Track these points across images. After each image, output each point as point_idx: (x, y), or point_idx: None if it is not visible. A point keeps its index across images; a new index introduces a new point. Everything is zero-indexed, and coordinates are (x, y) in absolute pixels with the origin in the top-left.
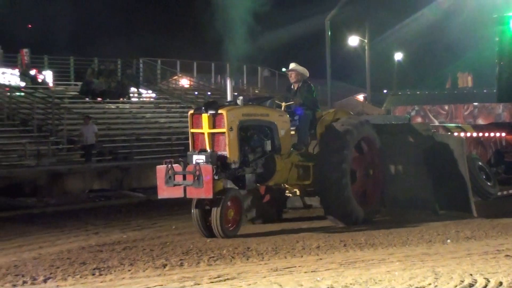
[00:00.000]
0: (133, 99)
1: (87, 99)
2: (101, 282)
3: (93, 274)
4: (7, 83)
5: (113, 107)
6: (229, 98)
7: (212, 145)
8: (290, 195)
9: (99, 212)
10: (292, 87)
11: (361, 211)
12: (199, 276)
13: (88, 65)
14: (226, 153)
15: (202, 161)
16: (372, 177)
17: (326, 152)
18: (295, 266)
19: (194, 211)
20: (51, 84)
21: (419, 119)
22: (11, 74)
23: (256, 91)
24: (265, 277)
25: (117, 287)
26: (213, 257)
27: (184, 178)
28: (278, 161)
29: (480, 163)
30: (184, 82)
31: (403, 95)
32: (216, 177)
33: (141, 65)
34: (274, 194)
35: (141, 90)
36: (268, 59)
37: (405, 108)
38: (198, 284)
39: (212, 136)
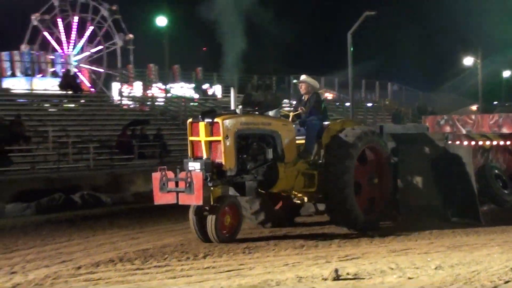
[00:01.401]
0: (285, 109)
1: (248, 109)
2: (249, 258)
3: (243, 252)
4: (183, 95)
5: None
6: (232, 107)
7: (209, 153)
8: (298, 201)
9: None
10: (303, 98)
11: (364, 218)
12: (330, 255)
13: (249, 81)
14: (222, 160)
15: (195, 168)
16: (378, 185)
17: (330, 162)
18: (410, 249)
19: (191, 216)
20: (219, 96)
21: (447, 128)
22: (187, 88)
23: (387, 102)
24: (384, 257)
25: (262, 263)
26: (343, 239)
27: (177, 185)
28: (282, 168)
29: (497, 171)
30: (328, 95)
31: (510, 106)
32: (210, 184)
33: (291, 81)
34: (286, 201)
35: (292, 101)
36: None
37: (435, 117)
38: (329, 262)
39: (209, 144)
